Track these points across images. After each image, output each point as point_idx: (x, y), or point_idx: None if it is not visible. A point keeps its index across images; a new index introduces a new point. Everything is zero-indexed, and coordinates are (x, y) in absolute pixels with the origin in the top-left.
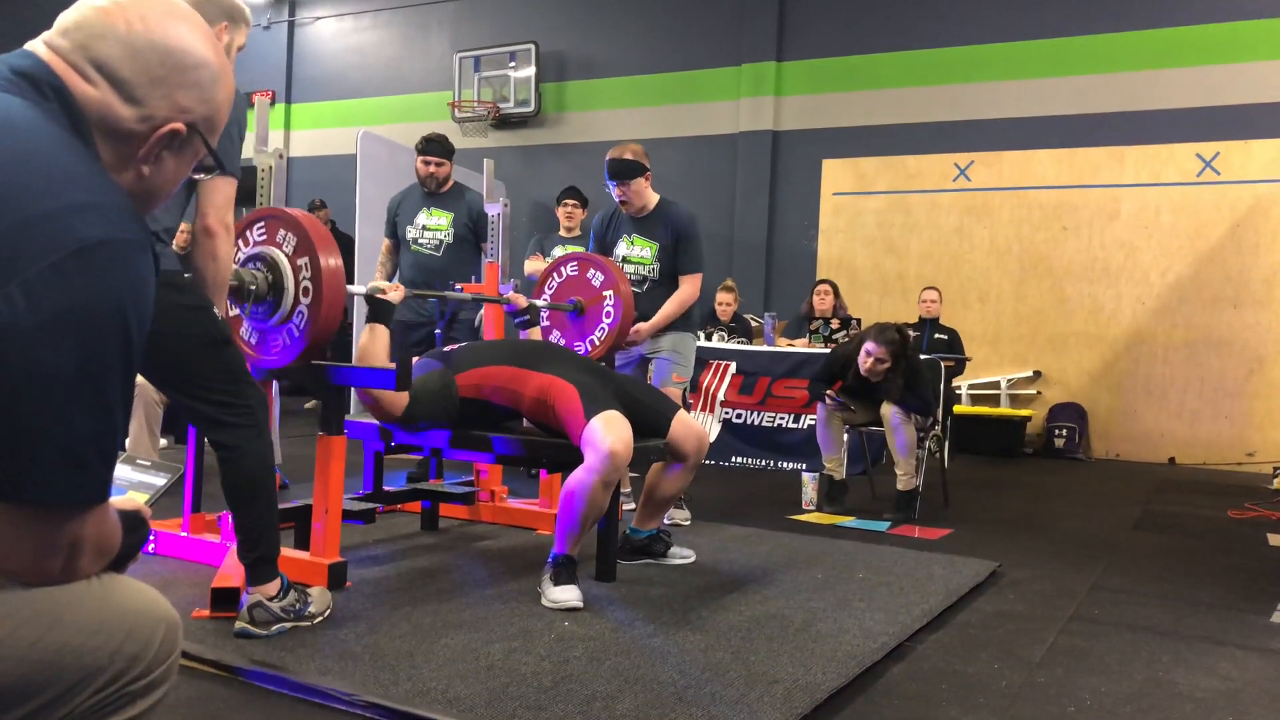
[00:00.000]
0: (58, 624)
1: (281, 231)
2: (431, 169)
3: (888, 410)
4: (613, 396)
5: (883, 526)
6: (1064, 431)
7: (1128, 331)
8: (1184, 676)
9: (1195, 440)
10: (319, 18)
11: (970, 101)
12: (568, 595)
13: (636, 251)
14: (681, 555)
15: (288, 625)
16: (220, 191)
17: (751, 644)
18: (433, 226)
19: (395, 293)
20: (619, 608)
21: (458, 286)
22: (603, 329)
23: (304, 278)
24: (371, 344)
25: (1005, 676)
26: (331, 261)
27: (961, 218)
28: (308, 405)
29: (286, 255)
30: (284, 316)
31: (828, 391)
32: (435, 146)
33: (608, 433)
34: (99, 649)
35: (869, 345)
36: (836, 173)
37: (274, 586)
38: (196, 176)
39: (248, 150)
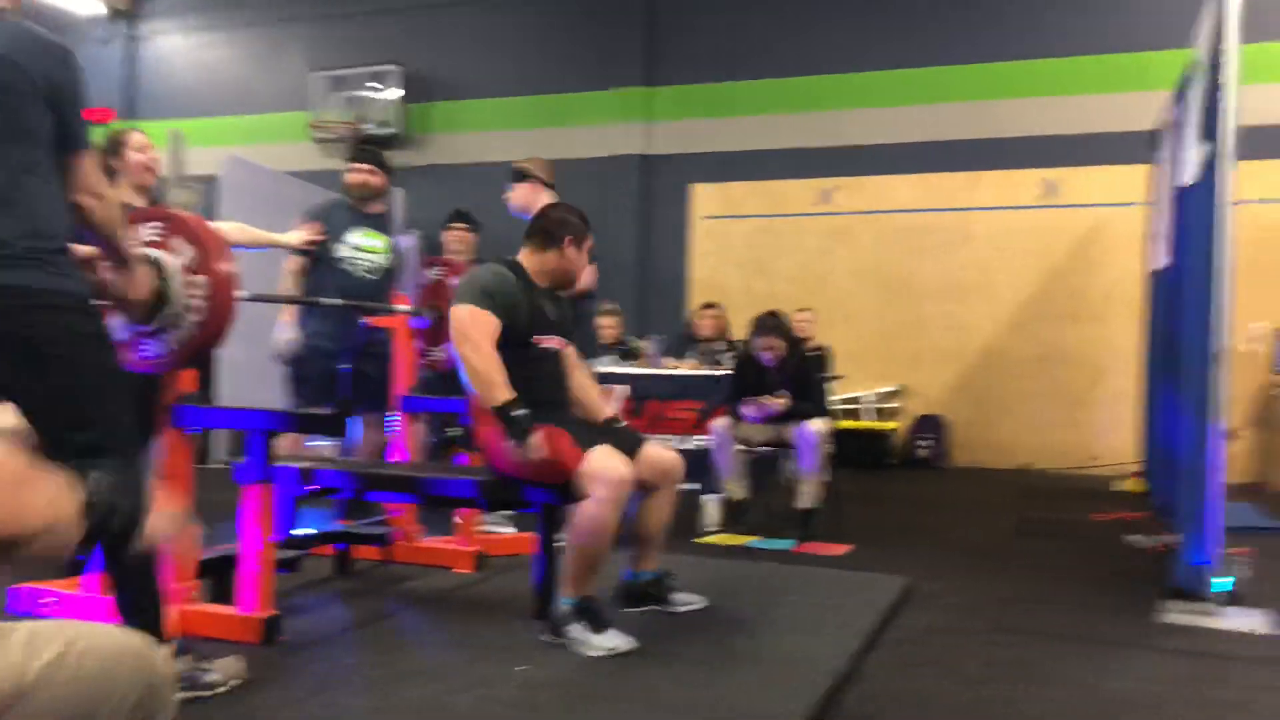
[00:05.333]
0: (88, 654)
1: (178, 239)
2: (364, 177)
3: (805, 429)
4: (598, 434)
5: (787, 545)
6: (927, 442)
7: (984, 347)
8: (1116, 682)
9: (1046, 447)
10: (161, 33)
11: (834, 128)
12: (618, 640)
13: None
14: (688, 601)
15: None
16: (94, 170)
17: (711, 677)
18: (369, 249)
19: None
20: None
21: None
22: None
23: (196, 293)
24: None
25: (953, 693)
26: (228, 286)
27: (826, 240)
28: None
29: (181, 266)
30: (161, 326)
31: (759, 399)
32: (367, 154)
33: (613, 460)
34: (123, 679)
35: (758, 342)
36: (707, 197)
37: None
38: None
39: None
